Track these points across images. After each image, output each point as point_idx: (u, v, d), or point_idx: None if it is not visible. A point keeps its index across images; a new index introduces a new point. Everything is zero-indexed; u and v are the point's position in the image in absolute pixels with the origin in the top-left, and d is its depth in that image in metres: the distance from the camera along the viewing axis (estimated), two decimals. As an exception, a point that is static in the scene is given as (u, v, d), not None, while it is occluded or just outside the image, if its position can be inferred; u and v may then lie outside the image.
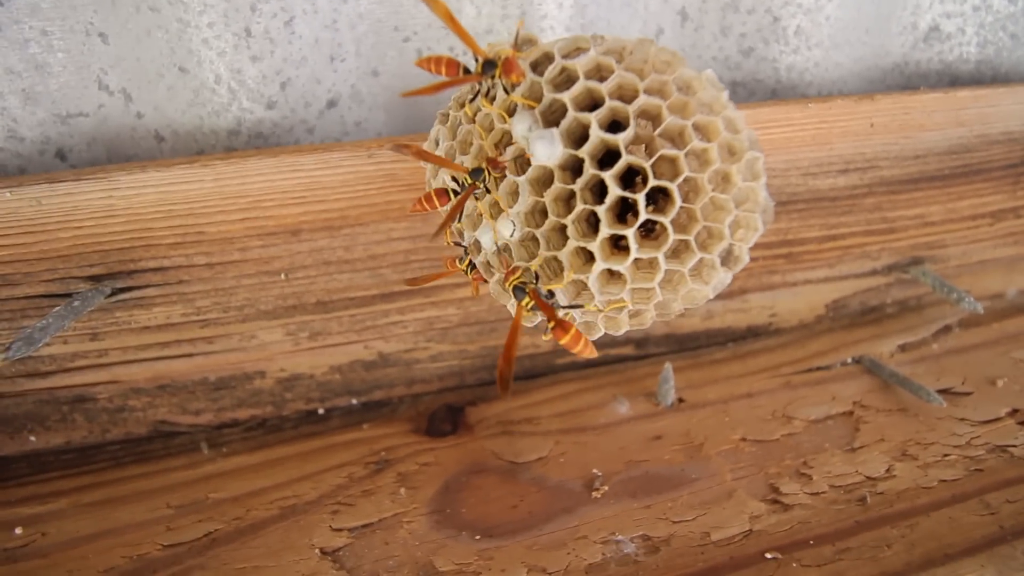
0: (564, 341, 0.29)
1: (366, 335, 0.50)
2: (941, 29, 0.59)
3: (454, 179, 0.32)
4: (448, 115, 0.34)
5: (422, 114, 0.53)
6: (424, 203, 0.34)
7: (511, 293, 0.29)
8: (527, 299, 0.29)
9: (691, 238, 0.28)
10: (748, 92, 0.57)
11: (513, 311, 0.30)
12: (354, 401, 0.53)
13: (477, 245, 0.33)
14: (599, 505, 0.43)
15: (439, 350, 0.52)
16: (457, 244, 0.35)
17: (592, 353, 0.30)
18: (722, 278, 0.29)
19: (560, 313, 0.31)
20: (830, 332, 0.59)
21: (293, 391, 0.51)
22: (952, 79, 0.61)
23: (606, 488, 0.44)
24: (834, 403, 0.51)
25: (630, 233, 0.27)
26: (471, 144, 0.32)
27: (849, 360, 0.56)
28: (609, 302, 0.28)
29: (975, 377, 0.53)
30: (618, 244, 0.29)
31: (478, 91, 0.32)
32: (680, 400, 0.52)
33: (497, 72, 0.29)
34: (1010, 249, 0.62)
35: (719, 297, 0.56)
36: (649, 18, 0.55)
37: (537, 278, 0.29)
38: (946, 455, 0.46)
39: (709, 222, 0.28)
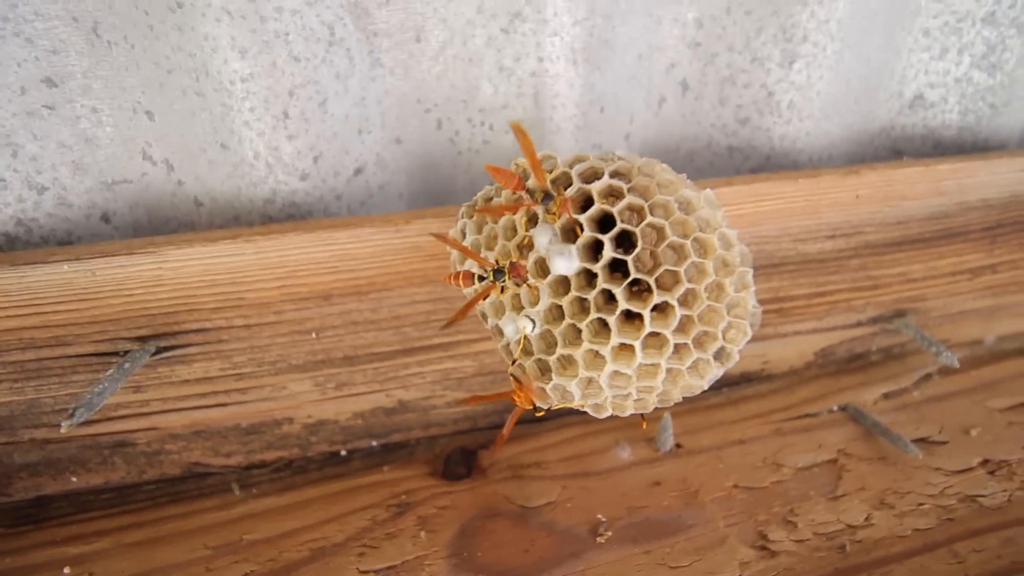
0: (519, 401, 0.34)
1: (388, 385, 0.54)
2: (925, 98, 0.63)
3: (482, 268, 0.36)
4: (474, 210, 0.38)
5: (439, 176, 0.57)
6: (453, 280, 0.38)
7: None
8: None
9: (689, 340, 0.31)
10: (744, 157, 0.61)
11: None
12: (374, 443, 0.57)
13: (499, 331, 0.37)
14: (603, 550, 0.47)
15: (455, 397, 0.56)
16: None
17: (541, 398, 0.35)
18: (716, 372, 0.32)
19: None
20: (818, 379, 0.63)
21: (318, 435, 0.55)
22: (935, 143, 0.65)
23: (610, 534, 0.48)
24: (820, 451, 0.55)
25: (637, 344, 0.31)
26: (496, 239, 0.36)
27: (835, 408, 0.60)
28: (616, 396, 0.32)
29: (951, 426, 0.57)
30: (625, 344, 0.33)
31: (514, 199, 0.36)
32: (678, 446, 0.56)
33: (552, 207, 0.32)
34: (989, 301, 0.66)
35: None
36: (653, 88, 0.59)
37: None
38: (920, 504, 0.50)
39: (705, 326, 0.32)
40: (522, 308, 0.34)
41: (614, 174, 0.32)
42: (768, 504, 0.50)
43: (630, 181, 0.32)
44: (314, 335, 0.50)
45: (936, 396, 0.61)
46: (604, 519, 0.49)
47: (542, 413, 0.35)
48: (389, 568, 0.46)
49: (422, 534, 0.49)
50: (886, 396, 0.61)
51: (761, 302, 0.59)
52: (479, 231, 0.37)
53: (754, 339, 0.61)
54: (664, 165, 0.33)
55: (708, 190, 0.33)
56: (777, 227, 0.55)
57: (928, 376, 0.63)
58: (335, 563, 0.47)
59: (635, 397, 0.33)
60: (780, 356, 0.63)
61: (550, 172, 0.34)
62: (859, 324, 0.63)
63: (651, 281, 0.31)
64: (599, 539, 0.48)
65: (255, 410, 0.52)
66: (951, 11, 0.60)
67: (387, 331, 0.51)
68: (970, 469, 0.53)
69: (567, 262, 0.31)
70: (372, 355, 0.52)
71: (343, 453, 0.56)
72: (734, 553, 0.46)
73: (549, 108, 0.53)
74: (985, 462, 0.54)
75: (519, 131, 0.31)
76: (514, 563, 0.46)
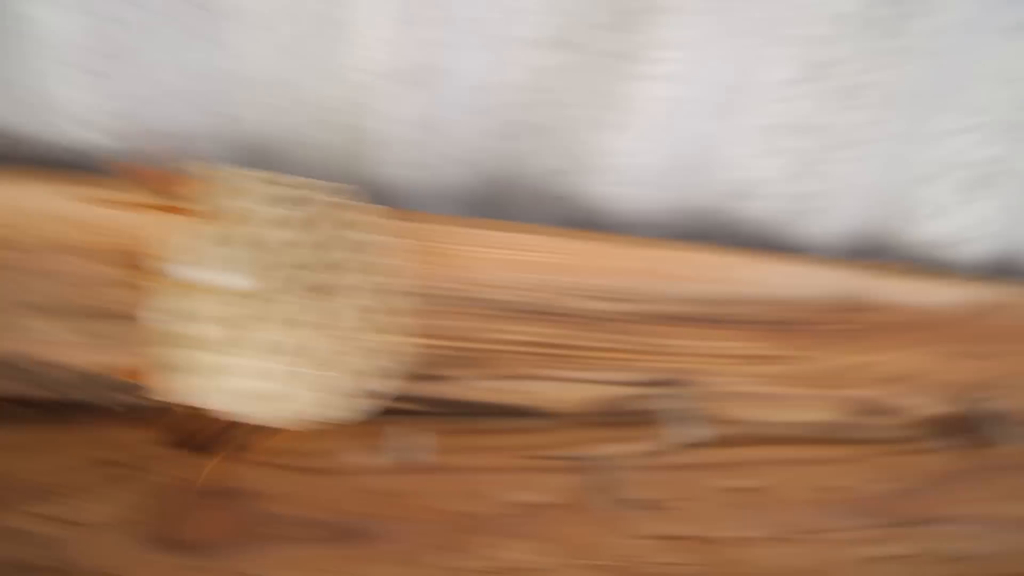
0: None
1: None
2: (749, 190, 0.66)
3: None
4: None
5: (267, 156, 0.56)
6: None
7: None
8: None
9: (334, 373, 0.33)
10: (570, 208, 0.63)
11: None
12: (122, 397, 0.56)
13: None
14: (295, 544, 0.49)
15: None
16: None
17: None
18: (364, 405, 0.34)
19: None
20: (578, 427, 0.66)
21: (59, 380, 0.54)
22: (751, 235, 0.69)
23: (313, 531, 0.50)
24: (546, 492, 0.58)
25: (283, 362, 0.32)
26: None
27: (580, 456, 0.63)
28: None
29: (677, 495, 0.62)
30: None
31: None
32: (419, 461, 0.58)
33: (212, 218, 0.32)
34: (759, 388, 0.71)
35: (493, 377, 0.63)
36: (490, 122, 0.59)
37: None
38: (612, 562, 0.54)
39: (354, 358, 0.33)
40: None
41: (297, 199, 0.33)
42: (469, 532, 0.53)
43: (314, 208, 0.33)
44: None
45: (678, 465, 0.66)
46: (313, 516, 0.51)
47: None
48: (79, 524, 0.47)
49: (130, 496, 0.49)
50: (633, 455, 0.65)
51: (541, 344, 0.62)
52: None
53: (532, 378, 0.64)
54: (360, 203, 0.34)
55: (391, 237, 0.35)
56: (568, 281, 0.57)
57: (680, 445, 0.68)
58: (24, 509, 0.47)
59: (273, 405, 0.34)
60: (553, 397, 0.66)
61: (243, 188, 0.34)
62: (632, 384, 0.67)
63: (315, 312, 0.32)
64: (297, 531, 0.50)
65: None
66: (788, 112, 0.63)
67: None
68: (674, 538, 0.58)
69: (242, 281, 0.31)
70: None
71: (85, 402, 0.55)
72: (419, 572, 0.49)
73: (379, 121, 0.53)
74: (690, 536, 0.59)
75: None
76: (209, 542, 0.48)
